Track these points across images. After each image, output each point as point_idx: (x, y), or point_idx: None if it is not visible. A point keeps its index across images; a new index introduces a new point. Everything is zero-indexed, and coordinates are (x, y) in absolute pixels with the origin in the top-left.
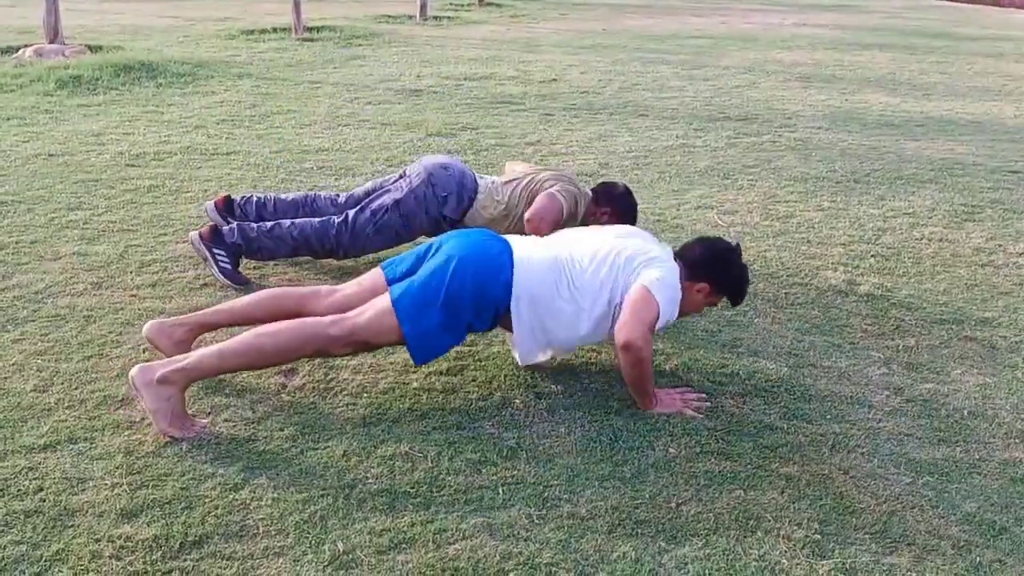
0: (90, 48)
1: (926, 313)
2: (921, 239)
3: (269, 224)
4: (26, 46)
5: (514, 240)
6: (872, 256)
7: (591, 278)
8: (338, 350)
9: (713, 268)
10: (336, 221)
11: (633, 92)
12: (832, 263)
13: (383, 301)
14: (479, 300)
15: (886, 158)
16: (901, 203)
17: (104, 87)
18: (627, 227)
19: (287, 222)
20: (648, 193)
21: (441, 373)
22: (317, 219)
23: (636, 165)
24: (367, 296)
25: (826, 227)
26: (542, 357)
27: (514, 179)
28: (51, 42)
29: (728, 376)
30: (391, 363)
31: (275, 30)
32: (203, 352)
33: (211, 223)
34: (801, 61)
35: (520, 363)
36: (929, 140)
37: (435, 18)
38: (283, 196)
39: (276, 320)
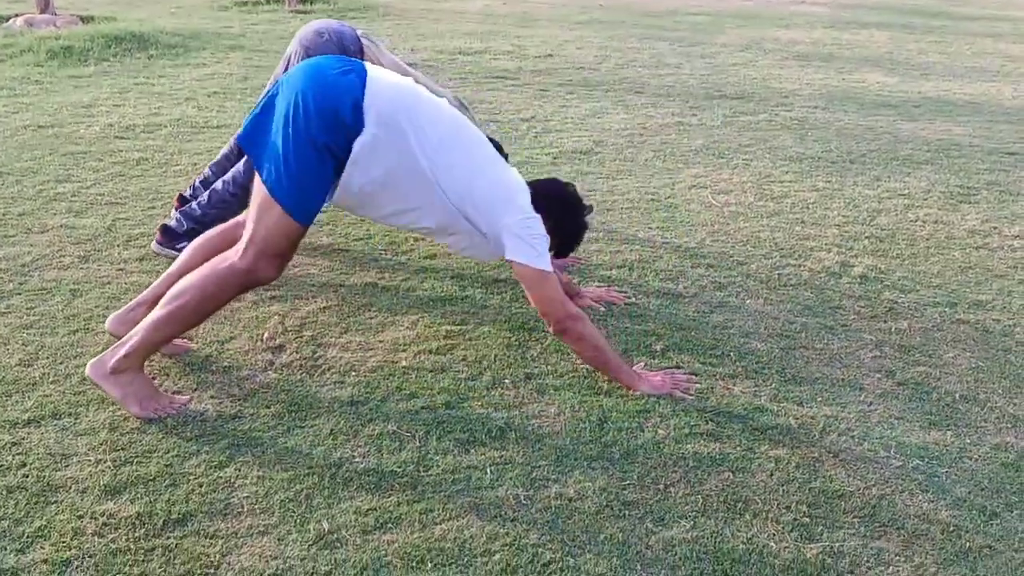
0: (81, 19)
1: (919, 295)
2: (916, 221)
3: (206, 195)
4: (16, 16)
5: (370, 65)
6: (866, 237)
7: (456, 177)
8: (264, 276)
9: (557, 210)
10: None
11: (629, 69)
12: (826, 244)
13: (258, 190)
14: (330, 125)
15: (882, 138)
16: (896, 184)
17: (95, 58)
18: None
19: (219, 183)
20: (642, 172)
21: (430, 352)
22: (242, 162)
23: (631, 143)
24: (256, 201)
25: (821, 208)
26: (360, 212)
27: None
28: (42, 12)
29: (719, 357)
30: (380, 341)
31: (268, 1)
32: (140, 328)
33: (159, 225)
34: (799, 39)
35: (334, 200)
36: (926, 121)
37: None
38: (215, 158)
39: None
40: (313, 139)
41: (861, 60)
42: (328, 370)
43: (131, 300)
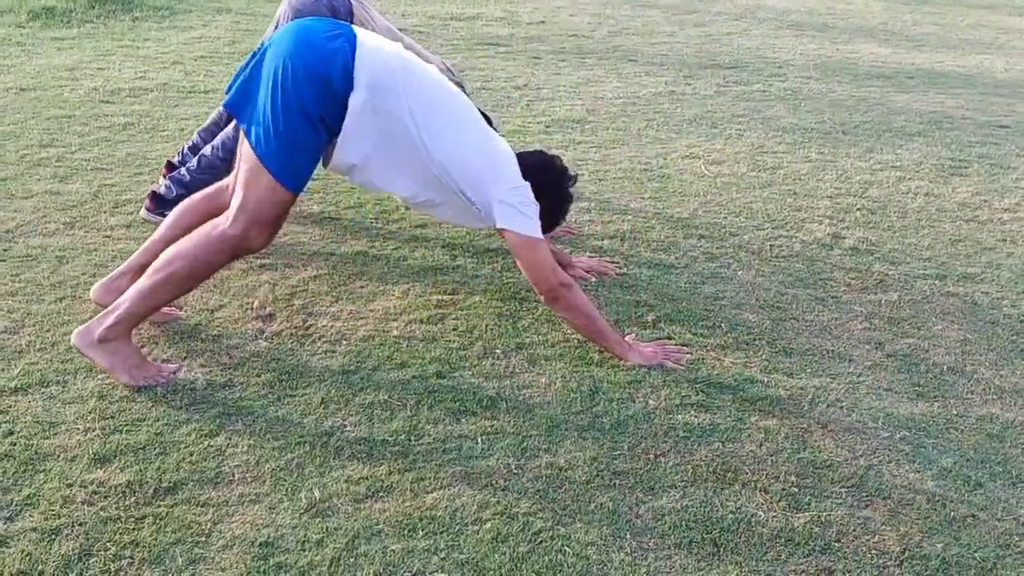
0: None
1: (909, 268)
2: (907, 193)
3: (195, 160)
4: None
5: (358, 28)
6: (858, 209)
7: (444, 145)
8: (255, 244)
9: (544, 182)
10: None
11: (623, 36)
12: (818, 216)
13: (247, 155)
14: (321, 92)
15: (875, 110)
16: (888, 156)
17: (78, 20)
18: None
19: (207, 148)
20: (635, 142)
21: (421, 322)
22: (229, 127)
23: (623, 112)
24: (245, 167)
25: (813, 179)
26: (350, 174)
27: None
28: None
29: (710, 329)
30: (371, 310)
31: None
32: (127, 297)
33: (148, 192)
34: (794, 8)
35: (331, 165)
36: (919, 92)
37: None
38: (203, 124)
39: (204, 222)
40: (304, 108)
41: (855, 30)
42: (319, 339)
43: (117, 267)
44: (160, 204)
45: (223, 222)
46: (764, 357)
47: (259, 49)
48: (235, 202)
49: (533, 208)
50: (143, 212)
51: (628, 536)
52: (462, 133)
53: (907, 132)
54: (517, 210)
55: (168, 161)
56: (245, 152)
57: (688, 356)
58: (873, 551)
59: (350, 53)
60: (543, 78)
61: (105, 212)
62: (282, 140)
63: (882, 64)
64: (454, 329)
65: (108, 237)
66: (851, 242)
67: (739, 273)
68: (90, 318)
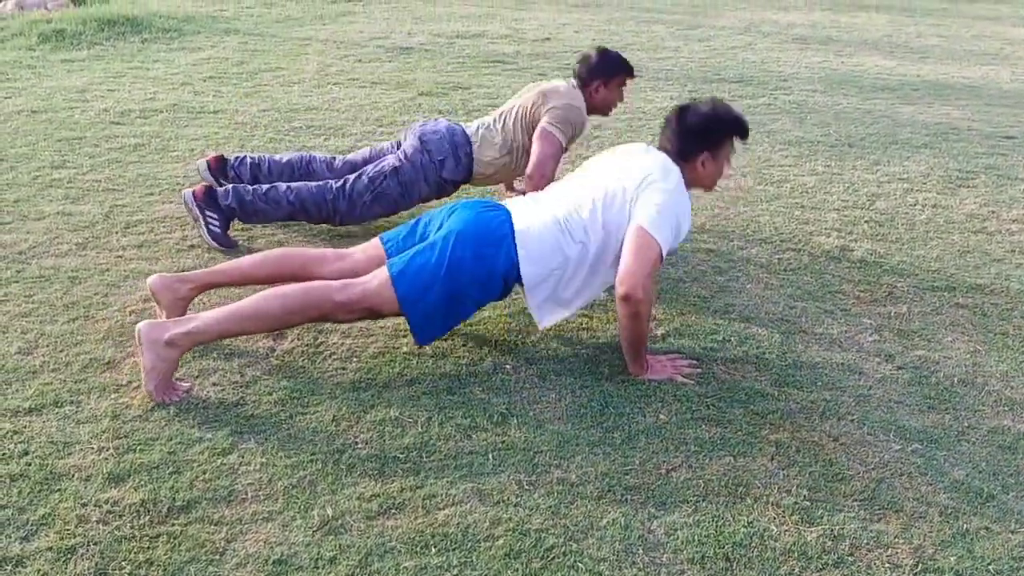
0: (73, 1)
1: (918, 280)
2: (915, 205)
3: (265, 187)
4: None
5: (512, 205)
6: (866, 222)
7: (597, 224)
8: (344, 316)
9: (701, 137)
10: (334, 187)
11: (628, 52)
12: (825, 228)
13: (384, 272)
14: (482, 274)
15: (881, 122)
16: (895, 168)
17: (88, 42)
18: (621, 147)
19: (283, 186)
20: None
21: None
22: (314, 183)
23: (629, 127)
24: (374, 265)
25: (820, 192)
26: (566, 314)
27: (500, 113)
28: None
29: (720, 342)
30: (381, 327)
31: None
32: (209, 315)
33: (204, 183)
34: (797, 22)
35: (541, 327)
36: (925, 104)
37: None
38: (277, 157)
39: (277, 282)
40: (465, 291)
41: (860, 43)
42: (330, 356)
43: (131, 287)
44: (208, 203)
45: (336, 287)
46: (774, 371)
47: (426, 218)
48: (359, 282)
49: (675, 219)
50: (186, 192)
51: (640, 551)
52: (623, 225)
53: (913, 144)
54: (661, 212)
55: (222, 155)
56: (384, 267)
57: (698, 370)
58: (886, 564)
59: (511, 238)
60: None
61: (117, 232)
62: (431, 302)
63: (887, 76)
64: (464, 345)
65: (120, 257)
66: (859, 254)
67: (748, 287)
68: (103, 339)
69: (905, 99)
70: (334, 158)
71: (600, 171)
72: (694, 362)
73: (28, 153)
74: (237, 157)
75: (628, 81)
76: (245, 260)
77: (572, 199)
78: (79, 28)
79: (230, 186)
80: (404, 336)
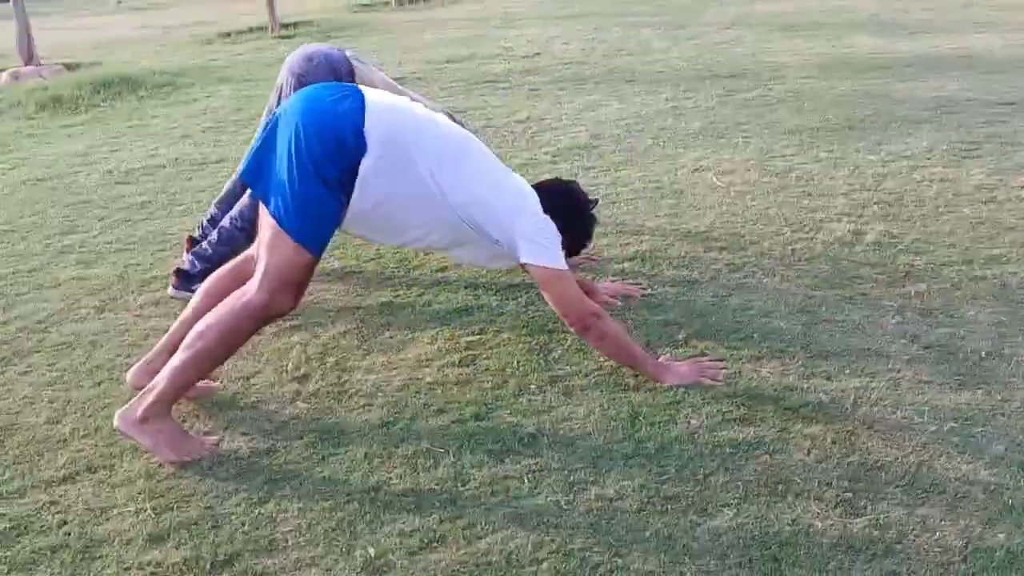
0: (67, 66)
1: (934, 256)
2: (922, 181)
3: (214, 233)
4: (1, 71)
5: (366, 89)
6: (875, 203)
7: (461, 189)
8: (282, 307)
9: (566, 209)
10: None
11: (618, 58)
12: (835, 214)
13: (267, 224)
14: (335, 154)
15: (879, 102)
16: (898, 146)
17: (85, 105)
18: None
19: (225, 220)
20: (643, 161)
21: (454, 365)
22: (247, 195)
23: (628, 133)
24: (266, 234)
25: (826, 178)
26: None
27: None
28: (27, 64)
29: (742, 340)
30: (403, 359)
31: (251, 30)
32: (164, 374)
33: (173, 268)
34: (784, 10)
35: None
36: (920, 80)
37: (411, 1)
38: (219, 195)
39: None
40: (320, 171)
41: (849, 25)
42: (355, 394)
43: (151, 346)
44: (186, 280)
45: (249, 290)
46: (800, 363)
47: (271, 119)
48: (259, 269)
49: (556, 240)
50: (170, 290)
51: (687, 561)
52: (478, 177)
53: (913, 120)
54: (541, 244)
55: (189, 236)
56: (264, 219)
57: (725, 371)
58: (936, 549)
59: (360, 114)
60: (544, 109)
61: (133, 292)
62: (301, 205)
63: (879, 55)
64: (487, 369)
65: (139, 316)
66: (872, 237)
67: (764, 281)
68: (129, 399)
69: (900, 76)
70: None
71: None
72: (719, 362)
73: (38, 221)
74: (197, 225)
75: None
76: (190, 304)
77: (436, 134)
78: (75, 92)
79: (190, 255)
80: (427, 366)
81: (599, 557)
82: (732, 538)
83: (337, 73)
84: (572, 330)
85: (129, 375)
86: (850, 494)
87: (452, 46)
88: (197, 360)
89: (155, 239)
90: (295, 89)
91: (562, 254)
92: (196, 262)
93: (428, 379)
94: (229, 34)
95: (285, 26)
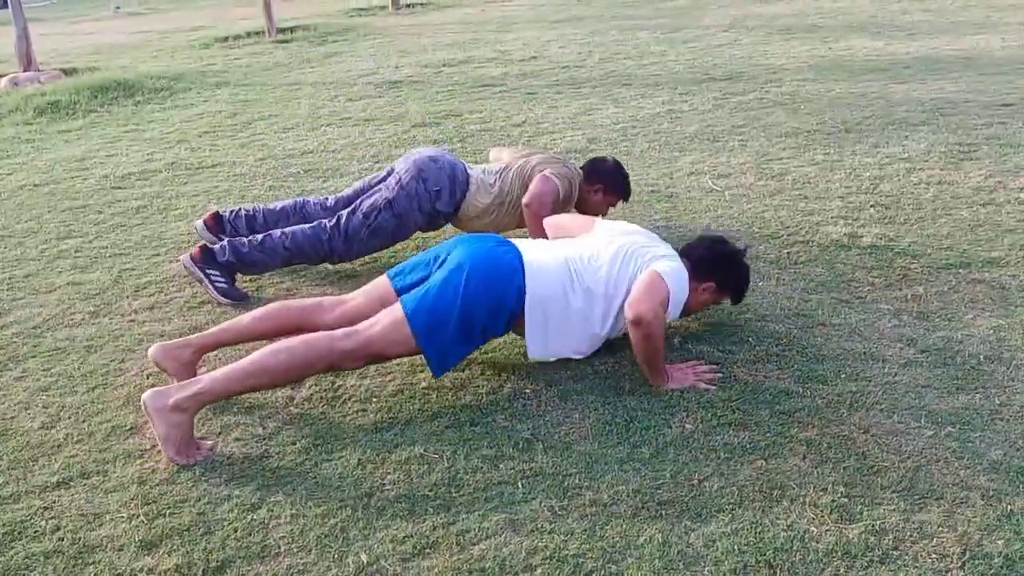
0: (65, 72)
1: (931, 259)
2: (919, 183)
3: (260, 236)
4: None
5: (522, 244)
6: (871, 206)
7: (603, 275)
8: (350, 364)
9: (718, 268)
10: (328, 225)
11: (614, 62)
12: (832, 217)
13: (396, 312)
14: (493, 307)
15: (876, 104)
16: (895, 148)
17: (83, 110)
18: (632, 226)
19: (278, 232)
20: (639, 164)
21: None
22: (308, 225)
23: (624, 136)
24: (376, 307)
25: (822, 181)
26: (553, 358)
27: (505, 166)
28: (25, 70)
29: (738, 344)
30: (397, 365)
31: (248, 35)
32: (214, 376)
33: (201, 243)
34: (782, 13)
35: (530, 357)
36: (918, 81)
37: (408, 6)
38: (271, 206)
39: (280, 334)
40: (475, 318)
41: (846, 27)
42: (349, 399)
43: (146, 350)
44: (207, 260)
45: (339, 336)
46: (796, 367)
47: (442, 249)
48: (363, 326)
49: (682, 280)
50: (185, 257)
51: (681, 566)
52: (630, 279)
53: (911, 122)
54: (671, 268)
55: (217, 212)
56: (397, 309)
57: (719, 375)
58: (933, 555)
59: (520, 273)
60: (541, 112)
61: (128, 297)
62: (448, 334)
63: (877, 57)
64: (482, 374)
65: (133, 321)
66: (869, 240)
67: (760, 284)
68: (124, 404)
69: (897, 78)
70: (327, 198)
71: (612, 233)
72: (714, 367)
73: (34, 227)
74: (232, 211)
75: (620, 203)
76: (245, 317)
77: (583, 247)
78: (73, 98)
79: (225, 241)
80: (421, 372)
81: (593, 563)
82: (727, 544)
83: (455, 178)
84: (629, 315)
85: (153, 350)
86: (846, 500)
87: (448, 50)
88: (258, 376)
89: (150, 243)
90: (412, 178)
91: (681, 289)
92: (227, 251)
93: (423, 385)
94: (227, 39)
95: (282, 31)
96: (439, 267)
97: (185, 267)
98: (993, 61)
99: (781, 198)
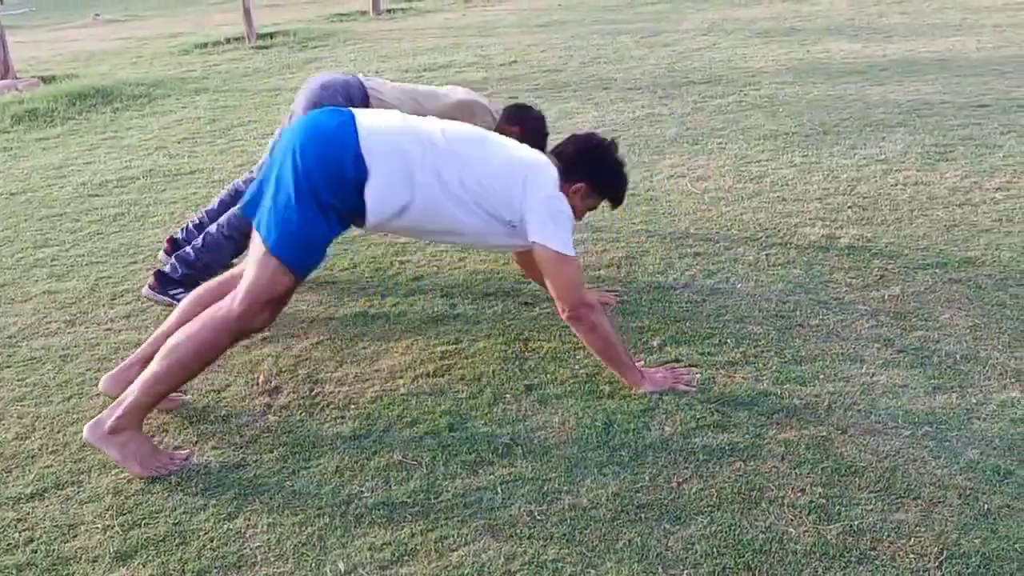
0: (43, 79)
1: (908, 260)
2: (896, 185)
3: (200, 239)
4: None
5: (358, 111)
6: (849, 207)
7: (471, 183)
8: (257, 323)
9: (585, 164)
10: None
11: (595, 66)
12: (810, 219)
13: (258, 248)
14: (334, 184)
15: (853, 106)
16: (873, 150)
17: (61, 118)
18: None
19: (213, 227)
20: None
21: (428, 375)
22: (236, 207)
23: None
24: (255, 251)
25: (800, 183)
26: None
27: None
28: (2, 78)
29: (716, 346)
30: (376, 371)
31: (228, 41)
32: (136, 386)
33: (154, 270)
34: (759, 16)
35: (368, 224)
36: (895, 83)
37: (388, 11)
38: (210, 205)
39: None
40: (319, 199)
41: (823, 30)
42: (327, 406)
43: (124, 359)
44: (164, 283)
45: (227, 304)
46: (774, 368)
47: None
48: (242, 284)
49: (567, 222)
50: (145, 290)
51: (660, 570)
52: (480, 166)
53: (888, 124)
54: (550, 221)
55: (171, 237)
56: (256, 241)
57: (698, 377)
58: (911, 555)
59: (354, 137)
60: None
61: (104, 305)
62: (294, 230)
63: (854, 60)
64: (461, 379)
65: (109, 330)
66: (846, 241)
67: (738, 286)
68: (101, 411)
69: (874, 80)
70: (252, 172)
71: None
72: (693, 369)
73: (10, 236)
74: (183, 228)
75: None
76: (169, 318)
77: (433, 126)
78: (51, 105)
79: (171, 259)
80: (400, 377)
81: (572, 568)
82: (706, 546)
83: (352, 99)
84: (564, 317)
85: (102, 382)
86: (824, 500)
87: (429, 54)
88: (170, 372)
89: (127, 251)
90: (306, 111)
91: (571, 238)
92: (177, 266)
93: (402, 390)
94: (206, 45)
95: (262, 36)
96: (272, 166)
97: (149, 298)
98: (969, 63)
99: (759, 200)
